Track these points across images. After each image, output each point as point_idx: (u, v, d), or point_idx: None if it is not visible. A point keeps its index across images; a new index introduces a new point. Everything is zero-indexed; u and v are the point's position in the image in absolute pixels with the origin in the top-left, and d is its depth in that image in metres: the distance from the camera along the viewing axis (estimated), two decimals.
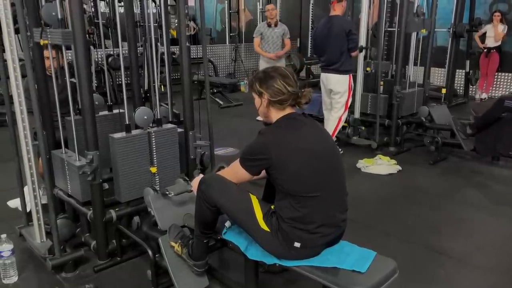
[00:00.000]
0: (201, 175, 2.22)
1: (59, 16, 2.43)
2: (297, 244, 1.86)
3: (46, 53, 2.70)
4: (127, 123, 2.57)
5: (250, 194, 2.01)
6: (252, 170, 1.95)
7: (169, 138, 2.68)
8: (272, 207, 1.96)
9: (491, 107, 4.39)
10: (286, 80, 1.92)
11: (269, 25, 6.15)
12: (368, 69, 5.13)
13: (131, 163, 2.53)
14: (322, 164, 1.89)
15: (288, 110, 1.96)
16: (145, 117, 2.57)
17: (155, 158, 2.61)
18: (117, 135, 2.51)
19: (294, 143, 1.87)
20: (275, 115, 1.96)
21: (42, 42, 2.49)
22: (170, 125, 2.76)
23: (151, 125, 2.64)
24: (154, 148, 2.60)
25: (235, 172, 2.01)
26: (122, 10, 2.94)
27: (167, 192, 2.36)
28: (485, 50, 7.51)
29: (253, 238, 1.97)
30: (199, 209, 2.07)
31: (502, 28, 7.28)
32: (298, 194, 1.85)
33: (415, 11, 4.81)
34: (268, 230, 1.90)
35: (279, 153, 1.85)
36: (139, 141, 2.55)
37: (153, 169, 2.62)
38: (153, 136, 2.60)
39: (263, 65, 6.23)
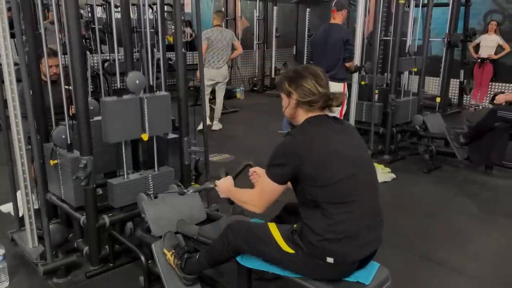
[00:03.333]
0: (229, 177, 2.10)
1: (68, 141, 2.57)
2: (330, 260, 1.72)
3: (44, 61, 2.70)
4: (119, 87, 2.51)
5: (268, 223, 1.93)
6: (282, 179, 1.77)
7: (162, 105, 2.60)
8: (295, 226, 1.84)
9: (484, 116, 4.42)
10: (317, 80, 1.79)
11: None
12: (362, 82, 5.15)
13: (122, 130, 2.47)
14: (355, 170, 1.75)
15: (317, 113, 1.84)
16: (137, 82, 2.47)
17: (147, 125, 2.55)
18: (109, 99, 2.45)
19: (326, 146, 1.73)
20: (303, 117, 1.84)
21: (52, 162, 2.64)
22: (163, 92, 2.71)
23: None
24: (146, 114, 2.53)
25: (262, 189, 1.85)
26: (118, 15, 2.94)
27: (185, 190, 2.28)
28: (479, 61, 7.58)
29: (281, 266, 1.84)
30: (218, 250, 1.98)
31: (498, 39, 7.36)
32: (330, 201, 1.71)
33: (406, 50, 4.91)
34: (293, 251, 1.78)
35: (310, 154, 1.71)
36: (130, 105, 2.47)
37: (145, 136, 2.55)
38: (145, 102, 2.53)
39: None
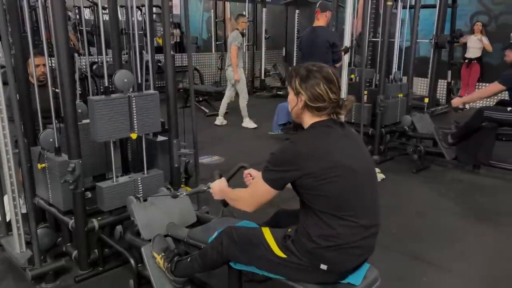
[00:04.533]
0: (223, 178, 2.06)
1: (56, 145, 2.55)
2: (323, 267, 1.70)
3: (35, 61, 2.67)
4: (107, 85, 2.51)
5: (262, 227, 1.90)
6: (277, 185, 1.73)
7: (150, 104, 2.58)
8: (289, 230, 1.81)
9: (472, 116, 4.47)
10: (330, 85, 1.69)
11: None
12: (352, 76, 5.17)
13: (110, 129, 2.44)
14: (358, 183, 1.70)
15: (324, 117, 1.76)
16: (125, 80, 2.46)
17: (135, 124, 2.53)
18: (96, 98, 2.43)
19: (330, 159, 1.65)
20: (309, 119, 1.77)
21: (39, 166, 2.62)
22: (151, 91, 2.70)
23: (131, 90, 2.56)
24: (135, 113, 2.52)
25: (255, 191, 1.81)
26: (106, 17, 2.92)
27: (178, 193, 2.28)
28: (466, 61, 7.67)
29: (273, 271, 1.82)
30: (212, 256, 1.96)
31: (485, 39, 7.46)
32: (330, 212, 1.67)
33: (392, 77, 4.99)
34: (285, 256, 1.76)
35: (312, 167, 1.64)
36: (118, 104, 2.45)
37: (134, 135, 2.53)
38: (134, 101, 2.51)
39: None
